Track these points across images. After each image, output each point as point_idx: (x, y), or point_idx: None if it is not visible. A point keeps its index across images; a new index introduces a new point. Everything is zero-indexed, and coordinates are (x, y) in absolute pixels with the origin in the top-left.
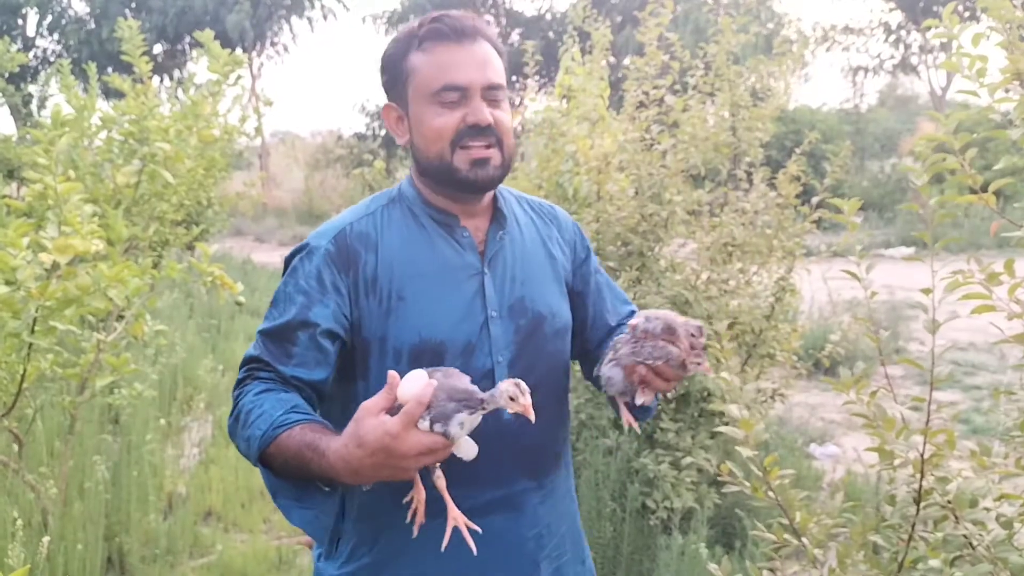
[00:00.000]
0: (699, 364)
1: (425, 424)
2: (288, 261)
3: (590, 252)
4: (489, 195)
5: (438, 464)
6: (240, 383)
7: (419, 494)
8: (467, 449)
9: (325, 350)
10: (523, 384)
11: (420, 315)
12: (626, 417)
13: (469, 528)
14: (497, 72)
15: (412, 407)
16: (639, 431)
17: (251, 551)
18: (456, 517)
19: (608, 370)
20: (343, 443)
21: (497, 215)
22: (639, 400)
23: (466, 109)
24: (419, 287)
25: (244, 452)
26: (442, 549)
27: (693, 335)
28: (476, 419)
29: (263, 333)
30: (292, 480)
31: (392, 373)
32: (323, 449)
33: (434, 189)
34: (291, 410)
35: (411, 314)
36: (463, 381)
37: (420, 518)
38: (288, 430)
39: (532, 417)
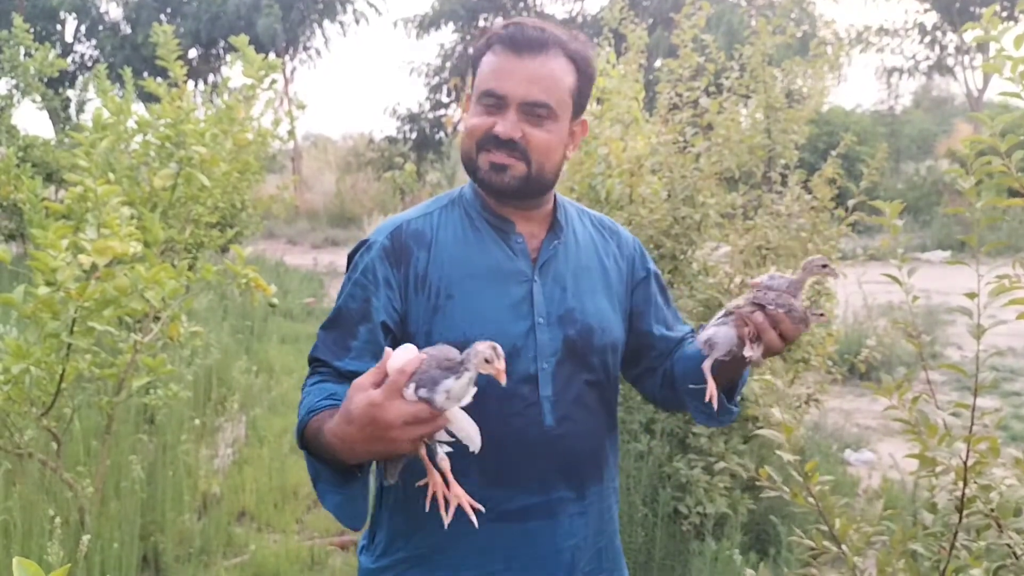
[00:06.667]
0: (821, 315)
1: (410, 393)
2: (350, 257)
3: (651, 272)
4: (547, 204)
5: (438, 443)
6: (305, 382)
7: (432, 477)
8: (468, 432)
9: (379, 342)
10: (499, 348)
11: (466, 314)
12: (711, 389)
13: (473, 507)
14: (546, 90)
15: (394, 376)
16: (716, 405)
17: (284, 551)
18: (459, 495)
19: (711, 330)
20: (336, 420)
21: (554, 224)
22: (749, 353)
23: (499, 118)
24: (468, 287)
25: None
26: (446, 526)
27: (824, 265)
28: (463, 387)
29: (324, 328)
30: (330, 466)
31: (387, 348)
32: (325, 429)
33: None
34: (328, 397)
35: (457, 313)
36: (453, 351)
37: (441, 501)
38: (317, 415)
39: (503, 381)
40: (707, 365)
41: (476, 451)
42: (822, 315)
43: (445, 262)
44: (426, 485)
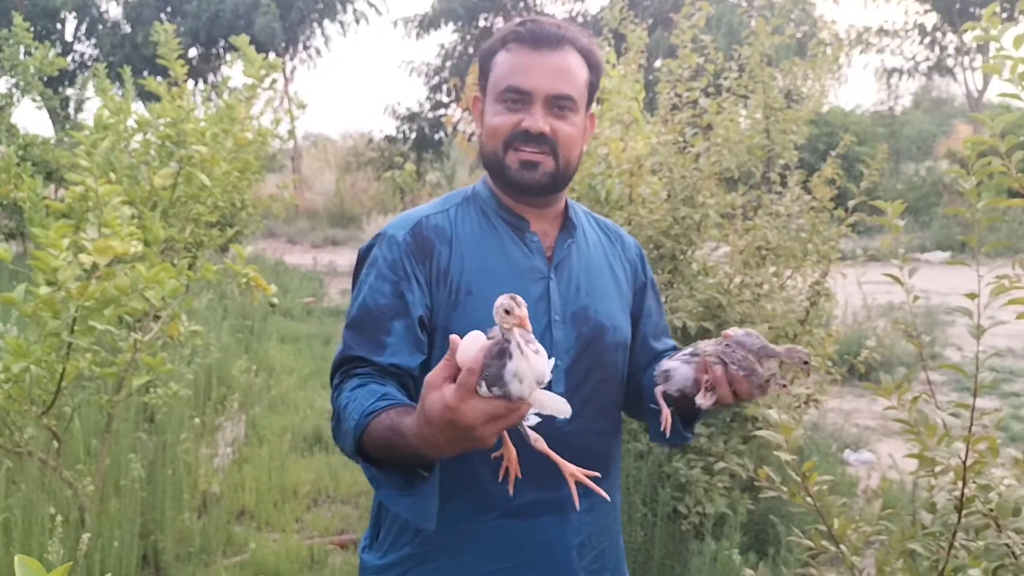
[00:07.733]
0: (784, 387)
1: (484, 390)
2: (363, 254)
3: (649, 279)
4: (560, 203)
5: (526, 425)
6: (337, 387)
7: (508, 452)
8: (553, 406)
9: (418, 336)
10: (519, 297)
11: (485, 311)
12: (665, 415)
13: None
14: (570, 84)
15: (464, 377)
16: (668, 432)
17: (283, 550)
18: (574, 472)
19: (674, 364)
20: (416, 422)
21: (567, 224)
22: (700, 400)
23: (525, 114)
24: (487, 284)
25: (345, 450)
26: (577, 508)
27: (806, 362)
28: (520, 360)
29: (349, 327)
30: (393, 470)
31: (454, 337)
32: (403, 430)
33: (499, 187)
34: (382, 397)
35: (476, 309)
36: (482, 337)
37: (512, 475)
38: (377, 416)
39: (528, 328)
40: (659, 392)
41: (567, 417)
42: (784, 387)
43: (465, 258)
44: (501, 458)
